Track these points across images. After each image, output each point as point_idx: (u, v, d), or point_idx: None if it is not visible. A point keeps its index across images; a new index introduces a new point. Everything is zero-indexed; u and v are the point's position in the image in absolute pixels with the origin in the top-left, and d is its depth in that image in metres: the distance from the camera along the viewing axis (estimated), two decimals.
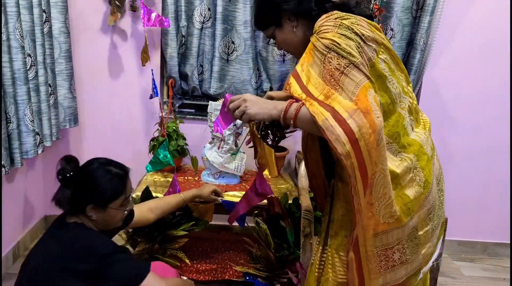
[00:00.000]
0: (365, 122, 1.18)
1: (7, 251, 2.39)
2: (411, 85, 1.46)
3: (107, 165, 1.43)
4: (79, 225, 1.41)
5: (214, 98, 2.60)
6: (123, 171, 1.43)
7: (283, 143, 2.55)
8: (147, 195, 2.07)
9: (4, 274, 2.34)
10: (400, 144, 1.35)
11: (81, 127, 2.72)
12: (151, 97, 2.34)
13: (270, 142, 2.50)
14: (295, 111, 1.26)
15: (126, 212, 1.47)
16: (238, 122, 2.29)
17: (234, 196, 2.20)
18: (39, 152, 2.21)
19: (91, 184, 1.40)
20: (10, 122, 1.97)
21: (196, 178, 2.40)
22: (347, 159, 1.21)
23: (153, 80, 2.30)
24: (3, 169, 1.94)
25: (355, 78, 1.22)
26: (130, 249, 2.08)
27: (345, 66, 1.23)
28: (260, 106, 1.30)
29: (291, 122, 1.27)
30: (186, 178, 2.39)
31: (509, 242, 2.88)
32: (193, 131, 2.61)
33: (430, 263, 1.49)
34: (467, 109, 2.74)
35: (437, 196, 1.46)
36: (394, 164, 1.31)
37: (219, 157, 2.32)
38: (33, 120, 2.12)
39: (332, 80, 1.23)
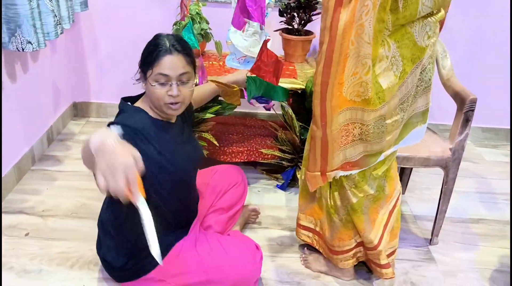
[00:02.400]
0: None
1: (42, 135, 2.49)
2: None
3: (163, 36, 1.40)
4: (130, 109, 1.45)
5: None
6: (163, 46, 1.36)
7: (309, 27, 2.46)
8: None
9: (41, 156, 2.47)
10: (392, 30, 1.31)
11: (92, 11, 2.65)
12: None
13: (296, 26, 2.41)
14: None
15: (166, 95, 1.38)
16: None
17: None
18: (59, 33, 2.17)
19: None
20: (31, 1, 1.90)
21: (220, 63, 2.37)
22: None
23: None
24: (30, 45, 1.92)
25: None
26: None
27: None
28: None
29: None
30: (210, 63, 2.37)
31: None
32: (216, 15, 2.52)
33: (393, 148, 1.52)
34: None
35: (414, 86, 1.43)
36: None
37: (244, 41, 2.26)
38: (51, 0, 2.06)
39: None
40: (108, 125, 1.33)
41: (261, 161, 2.34)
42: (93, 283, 1.67)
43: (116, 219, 1.54)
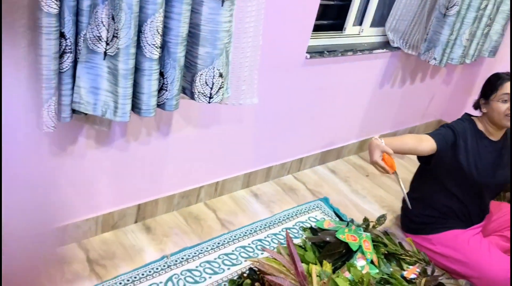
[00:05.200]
0: None
1: None
2: None
3: (500, 73, 2.01)
4: (467, 118, 2.09)
5: None
6: (503, 76, 1.96)
7: None
8: None
9: None
10: None
11: (496, 60, 3.25)
12: None
13: None
14: None
15: (507, 109, 1.91)
16: None
17: None
18: (459, 62, 2.89)
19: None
20: (451, 34, 2.67)
21: None
22: None
23: None
24: (434, 60, 2.71)
25: None
26: None
27: None
28: None
29: None
30: None
31: None
32: None
33: None
34: None
35: None
36: None
37: None
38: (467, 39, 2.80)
39: None
40: (443, 126, 2.06)
41: None
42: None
43: (419, 190, 2.23)
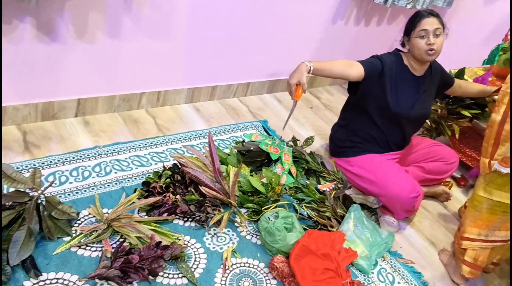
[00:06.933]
0: None
1: None
2: None
3: (421, 10, 2.11)
4: (395, 53, 2.23)
5: None
6: (423, 13, 2.07)
7: None
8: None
9: None
10: None
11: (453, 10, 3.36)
12: None
13: None
14: None
15: (425, 44, 2.05)
16: None
17: None
18: None
19: None
20: None
21: None
22: None
23: None
24: None
25: None
26: None
27: None
28: None
29: None
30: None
31: None
32: None
33: None
34: None
35: None
36: None
37: None
38: None
39: None
40: (373, 56, 2.19)
41: None
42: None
43: (346, 119, 2.41)
